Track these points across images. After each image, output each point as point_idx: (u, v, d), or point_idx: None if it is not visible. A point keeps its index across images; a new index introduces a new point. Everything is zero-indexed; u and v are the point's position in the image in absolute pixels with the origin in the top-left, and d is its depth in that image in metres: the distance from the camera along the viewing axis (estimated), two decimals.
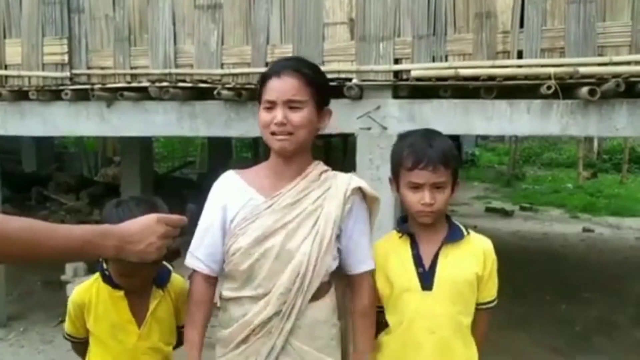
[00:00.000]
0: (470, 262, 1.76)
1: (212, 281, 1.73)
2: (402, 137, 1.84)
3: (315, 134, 1.70)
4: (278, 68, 1.66)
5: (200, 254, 1.70)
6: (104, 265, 1.77)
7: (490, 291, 1.80)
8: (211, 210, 1.71)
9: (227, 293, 1.70)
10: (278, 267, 1.61)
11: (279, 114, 1.61)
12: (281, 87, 1.62)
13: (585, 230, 8.82)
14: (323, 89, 1.70)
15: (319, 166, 1.74)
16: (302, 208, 1.64)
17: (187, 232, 1.56)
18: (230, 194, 1.70)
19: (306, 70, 1.65)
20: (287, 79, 1.62)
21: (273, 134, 1.63)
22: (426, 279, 1.73)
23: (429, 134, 1.80)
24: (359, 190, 1.71)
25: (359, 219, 1.71)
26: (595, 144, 17.00)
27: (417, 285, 1.73)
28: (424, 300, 1.72)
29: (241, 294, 1.65)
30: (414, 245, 1.78)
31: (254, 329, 1.62)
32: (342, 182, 1.70)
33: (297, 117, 1.61)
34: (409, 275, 1.74)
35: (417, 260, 1.76)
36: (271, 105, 1.63)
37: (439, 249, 1.76)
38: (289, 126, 1.61)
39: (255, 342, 1.63)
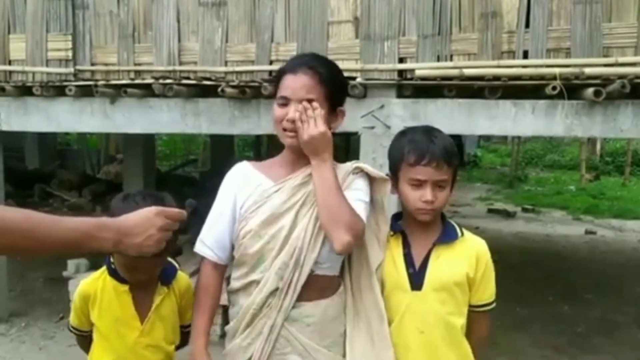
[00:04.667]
0: (461, 263, 1.74)
1: (220, 269, 1.74)
2: (402, 133, 1.82)
3: None
4: (294, 65, 1.66)
5: (209, 241, 1.72)
6: (111, 259, 1.77)
7: (485, 293, 1.77)
8: (222, 199, 1.73)
9: (235, 283, 1.71)
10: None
11: (291, 110, 1.62)
12: (295, 84, 1.62)
13: (587, 232, 8.79)
14: (338, 89, 1.70)
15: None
16: (308, 189, 1.66)
17: (187, 228, 1.55)
18: (241, 182, 1.72)
19: (321, 70, 1.64)
20: (302, 76, 1.62)
21: (285, 129, 1.65)
22: (416, 280, 1.72)
23: (430, 131, 1.77)
24: (360, 170, 1.71)
25: (353, 187, 1.68)
26: (598, 146, 16.95)
27: (406, 285, 1.73)
28: (414, 300, 1.72)
29: (250, 278, 1.66)
30: (406, 245, 1.77)
31: (257, 309, 1.63)
32: (345, 166, 1.74)
33: None
34: (399, 275, 1.74)
35: (408, 260, 1.75)
36: (285, 102, 1.64)
37: (431, 249, 1.74)
38: (300, 123, 1.61)
39: (258, 324, 1.64)
